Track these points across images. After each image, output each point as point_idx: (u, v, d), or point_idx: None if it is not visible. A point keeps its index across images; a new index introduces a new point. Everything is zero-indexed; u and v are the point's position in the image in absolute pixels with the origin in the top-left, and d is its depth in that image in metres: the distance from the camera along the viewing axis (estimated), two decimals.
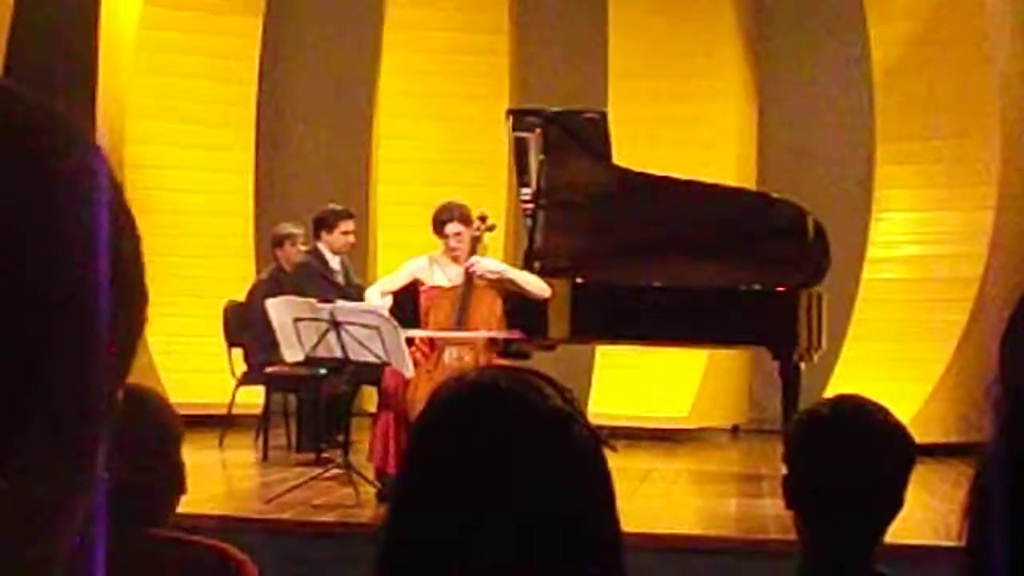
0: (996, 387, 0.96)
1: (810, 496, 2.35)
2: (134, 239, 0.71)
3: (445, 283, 7.34)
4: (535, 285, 7.45)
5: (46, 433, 0.65)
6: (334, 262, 8.78)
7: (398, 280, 7.51)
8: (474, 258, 7.29)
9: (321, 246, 8.79)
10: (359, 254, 9.76)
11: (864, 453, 2.33)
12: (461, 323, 7.20)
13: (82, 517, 0.69)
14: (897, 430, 2.39)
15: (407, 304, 7.34)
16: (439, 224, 7.36)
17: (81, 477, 0.68)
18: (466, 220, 7.34)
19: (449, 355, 7.14)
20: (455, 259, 7.34)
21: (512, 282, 7.36)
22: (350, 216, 8.91)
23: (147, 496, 2.30)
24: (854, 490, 2.31)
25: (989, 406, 0.96)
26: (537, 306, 7.57)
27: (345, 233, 8.80)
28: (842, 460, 2.33)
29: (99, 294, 0.66)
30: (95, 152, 0.70)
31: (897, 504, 2.34)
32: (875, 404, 2.41)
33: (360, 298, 7.66)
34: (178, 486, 2.45)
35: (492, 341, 7.29)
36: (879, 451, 2.34)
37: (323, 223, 8.80)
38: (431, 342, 7.20)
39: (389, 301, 7.32)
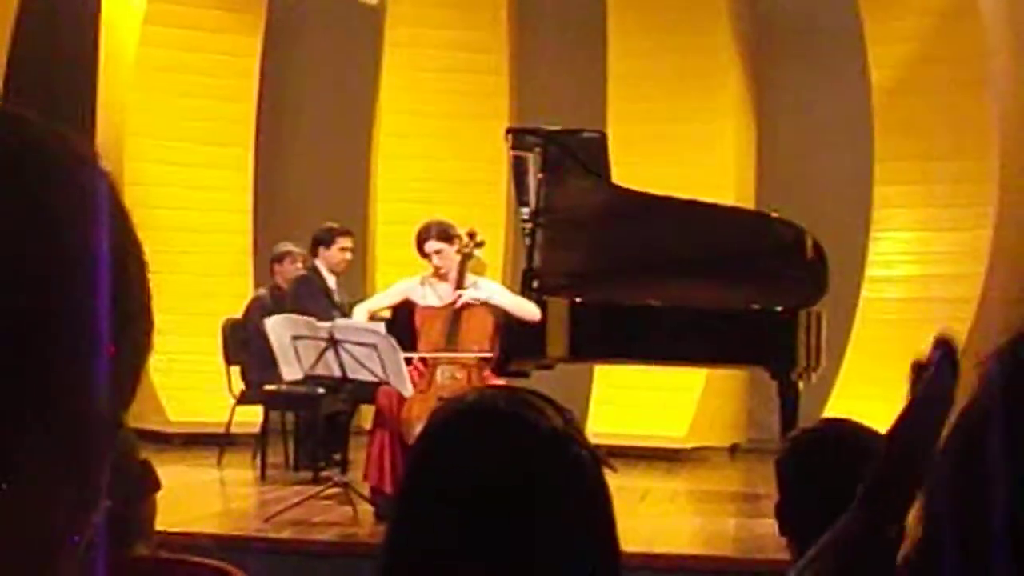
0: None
1: (805, 521, 2.34)
2: (140, 264, 0.70)
3: (436, 302, 7.34)
4: (523, 310, 7.42)
5: (45, 453, 0.65)
6: (331, 280, 8.78)
7: (386, 299, 7.50)
8: (458, 292, 7.27)
9: (319, 263, 8.78)
10: (357, 272, 9.75)
11: (857, 476, 2.32)
12: (452, 342, 7.19)
13: (82, 540, 0.69)
14: None
15: (405, 324, 7.34)
16: (419, 244, 7.36)
17: (80, 498, 0.68)
18: (445, 237, 7.32)
19: (442, 374, 7.12)
20: (441, 277, 7.33)
21: (499, 307, 7.34)
22: (348, 233, 8.93)
23: (127, 506, 2.23)
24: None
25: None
26: (533, 326, 7.54)
27: (343, 250, 8.80)
28: (835, 484, 2.32)
29: (100, 312, 0.66)
30: (100, 174, 0.70)
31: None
32: (863, 427, 2.40)
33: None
34: (151, 485, 2.36)
35: (485, 359, 7.27)
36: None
37: (321, 240, 8.80)
38: (424, 361, 7.19)
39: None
